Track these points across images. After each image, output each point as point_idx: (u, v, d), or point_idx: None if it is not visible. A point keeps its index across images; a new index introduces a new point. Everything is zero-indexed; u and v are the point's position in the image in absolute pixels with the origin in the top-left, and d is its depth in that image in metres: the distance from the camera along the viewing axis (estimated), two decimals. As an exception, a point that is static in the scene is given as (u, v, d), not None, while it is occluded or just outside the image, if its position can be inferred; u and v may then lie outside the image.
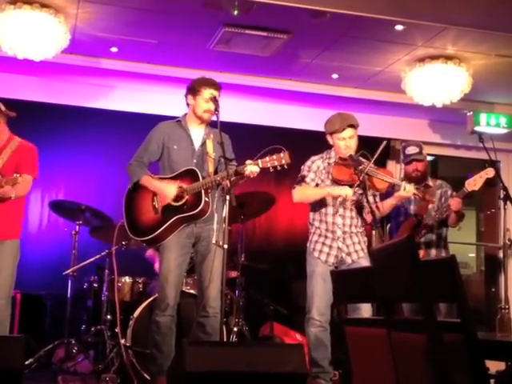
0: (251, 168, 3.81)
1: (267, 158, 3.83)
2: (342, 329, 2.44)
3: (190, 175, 4.00)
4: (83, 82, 6.06)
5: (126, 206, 4.14)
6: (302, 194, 4.27)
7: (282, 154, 3.81)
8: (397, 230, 4.78)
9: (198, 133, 4.15)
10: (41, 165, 5.84)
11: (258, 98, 6.41)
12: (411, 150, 4.80)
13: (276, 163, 3.81)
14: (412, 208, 4.79)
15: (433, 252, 4.70)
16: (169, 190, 3.99)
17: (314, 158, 4.35)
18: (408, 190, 4.12)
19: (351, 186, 4.08)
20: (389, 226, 4.90)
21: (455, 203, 4.49)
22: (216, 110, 3.91)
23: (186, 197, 3.97)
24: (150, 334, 4.02)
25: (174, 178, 4.05)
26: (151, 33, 5.22)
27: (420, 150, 4.77)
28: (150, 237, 4.02)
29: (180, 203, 3.97)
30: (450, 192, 4.80)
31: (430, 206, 4.68)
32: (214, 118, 3.93)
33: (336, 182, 4.20)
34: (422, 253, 4.61)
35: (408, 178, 4.72)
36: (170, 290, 3.94)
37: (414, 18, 4.78)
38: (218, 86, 4.08)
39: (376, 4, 4.69)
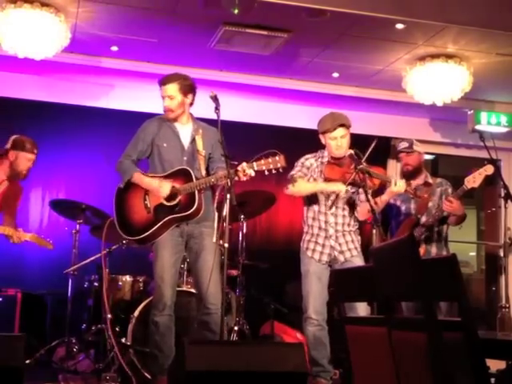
0: (246, 170, 3.77)
1: (262, 161, 3.79)
2: (342, 328, 2.44)
3: (183, 175, 3.94)
4: (84, 81, 6.05)
5: (116, 204, 4.08)
6: (297, 187, 4.25)
7: (277, 158, 3.78)
8: (397, 229, 4.79)
9: (185, 129, 4.10)
10: (41, 164, 5.85)
11: (259, 97, 6.41)
12: (401, 145, 4.86)
13: (271, 166, 3.79)
14: (412, 207, 4.80)
15: (433, 249, 4.69)
16: (163, 188, 3.91)
17: (307, 156, 4.39)
18: (399, 185, 4.15)
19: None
20: (390, 225, 4.90)
21: (447, 206, 4.48)
22: (217, 108, 3.86)
23: (179, 197, 3.92)
24: (149, 334, 4.00)
25: (166, 177, 3.98)
26: (152, 32, 5.21)
27: (410, 145, 4.80)
28: (141, 236, 3.97)
29: (172, 203, 3.93)
30: (450, 190, 4.79)
31: (430, 204, 4.69)
32: (214, 117, 3.90)
33: (328, 180, 4.23)
34: (421, 250, 4.61)
35: (402, 174, 4.78)
36: (166, 289, 3.90)
37: (415, 17, 4.77)
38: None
39: (376, 3, 4.69)
